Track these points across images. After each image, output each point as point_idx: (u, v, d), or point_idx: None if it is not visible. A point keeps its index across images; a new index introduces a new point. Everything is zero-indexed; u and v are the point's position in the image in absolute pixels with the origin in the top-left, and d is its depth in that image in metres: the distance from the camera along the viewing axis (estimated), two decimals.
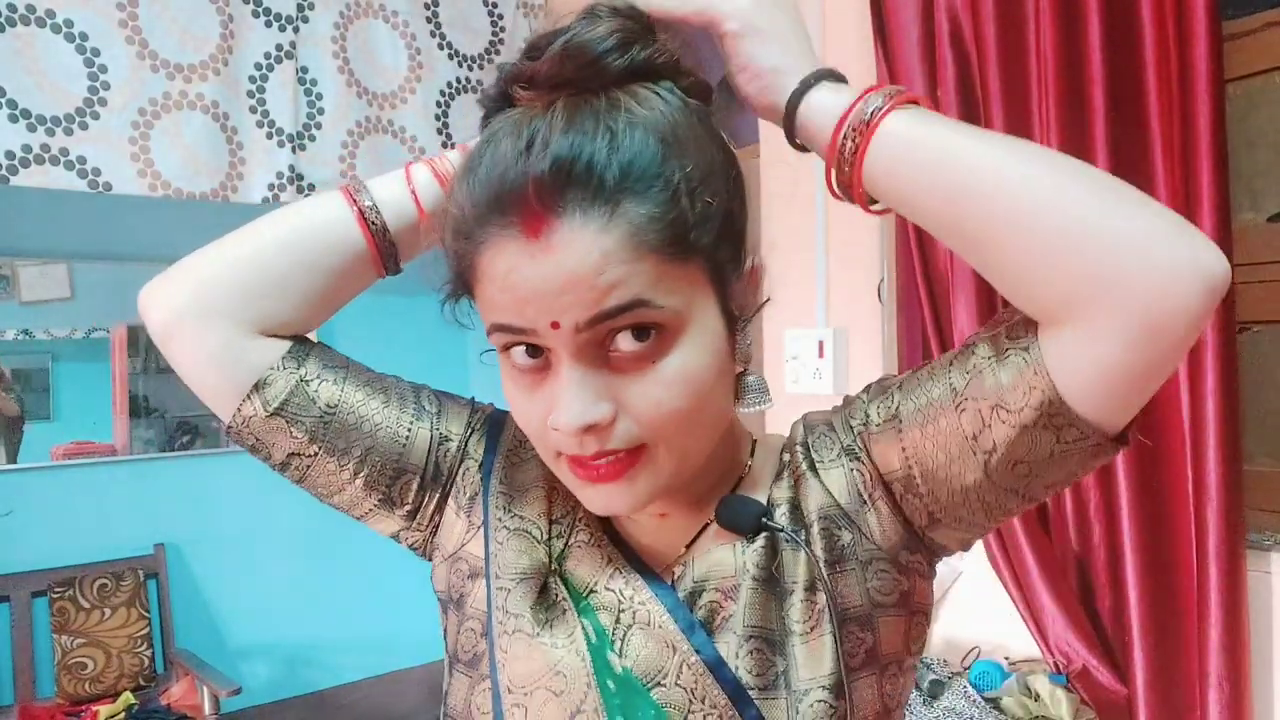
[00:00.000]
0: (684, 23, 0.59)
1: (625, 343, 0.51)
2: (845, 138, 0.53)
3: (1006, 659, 1.79)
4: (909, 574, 0.61)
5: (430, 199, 0.65)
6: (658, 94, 0.54)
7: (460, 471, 0.68)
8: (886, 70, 1.92)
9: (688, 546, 0.63)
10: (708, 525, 0.63)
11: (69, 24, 2.21)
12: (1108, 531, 1.65)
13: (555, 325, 0.51)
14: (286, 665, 3.38)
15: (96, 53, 2.25)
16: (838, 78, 0.57)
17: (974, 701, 1.62)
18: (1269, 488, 1.65)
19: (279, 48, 2.52)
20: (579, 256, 0.49)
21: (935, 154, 0.51)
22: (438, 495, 0.68)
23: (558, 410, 0.52)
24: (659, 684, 0.58)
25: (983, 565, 1.82)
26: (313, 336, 0.69)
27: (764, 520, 0.61)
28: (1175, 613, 1.58)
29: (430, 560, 0.71)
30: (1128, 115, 1.58)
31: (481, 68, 2.94)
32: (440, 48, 2.85)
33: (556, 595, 0.63)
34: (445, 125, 2.85)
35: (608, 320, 0.50)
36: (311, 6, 2.58)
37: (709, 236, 0.53)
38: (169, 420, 3.30)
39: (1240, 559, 1.50)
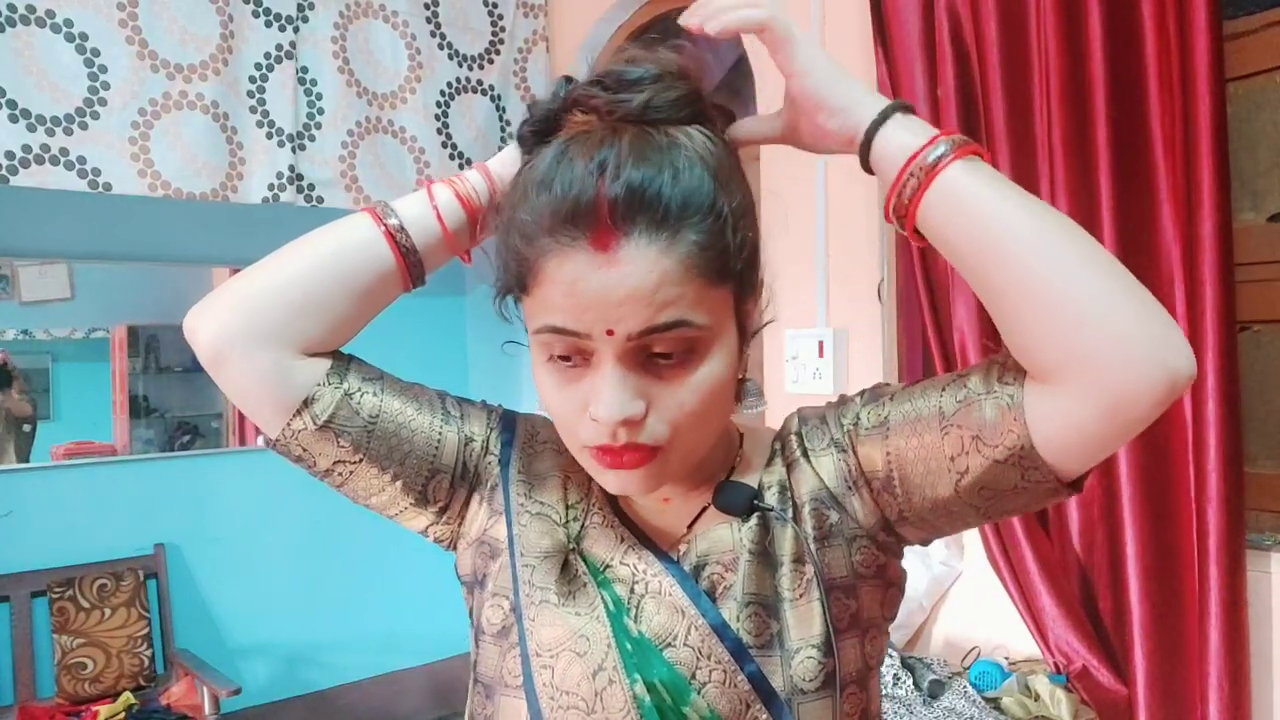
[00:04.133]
0: (740, 32, 0.66)
1: (664, 352, 0.59)
2: (911, 175, 0.60)
3: (1006, 659, 1.79)
4: (885, 551, 0.69)
5: (453, 218, 0.71)
6: (705, 136, 0.62)
7: (484, 466, 0.75)
8: (886, 70, 1.92)
9: (689, 526, 0.71)
10: (706, 508, 0.70)
11: (69, 24, 2.21)
12: (1108, 532, 1.65)
13: (610, 332, 0.57)
14: (286, 665, 3.38)
15: (96, 53, 2.25)
16: (907, 109, 0.64)
17: (974, 701, 1.62)
18: (1270, 489, 1.65)
19: (279, 48, 2.51)
20: (641, 274, 0.56)
21: (980, 211, 0.59)
22: (465, 490, 0.74)
23: (599, 403, 0.59)
24: (670, 645, 0.66)
25: (983, 565, 1.82)
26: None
27: (755, 502, 0.68)
28: (1176, 613, 1.58)
29: (454, 550, 0.78)
30: (1128, 115, 1.58)
31: (481, 68, 2.94)
32: (440, 48, 2.85)
33: (577, 570, 0.70)
34: (445, 125, 2.85)
35: (656, 334, 0.58)
36: (311, 6, 2.58)
37: (742, 264, 0.61)
38: (169, 420, 3.30)
39: (1241, 559, 1.50)
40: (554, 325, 0.59)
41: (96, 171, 2.25)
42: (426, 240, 0.70)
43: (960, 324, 1.80)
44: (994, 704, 1.63)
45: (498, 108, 2.98)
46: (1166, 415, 1.56)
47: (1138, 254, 1.59)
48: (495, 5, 2.96)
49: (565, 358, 0.61)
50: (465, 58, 2.91)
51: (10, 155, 2.13)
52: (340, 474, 0.71)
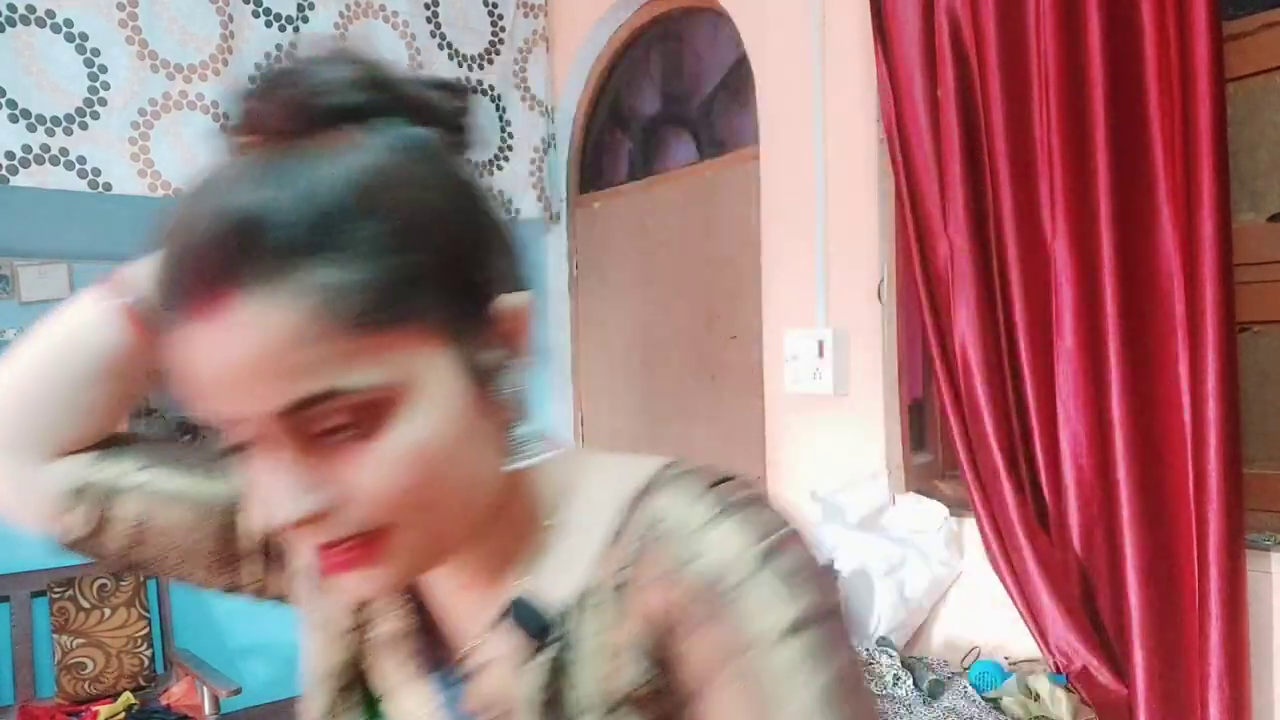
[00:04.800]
0: None
1: (334, 426, 0.45)
2: None
3: (1006, 659, 1.79)
4: None
5: None
6: (366, 133, 0.47)
7: (283, 548, 0.64)
8: (886, 70, 1.92)
9: (483, 632, 0.55)
10: (510, 609, 0.53)
11: (69, 24, 2.21)
12: (1108, 532, 1.65)
13: (249, 418, 0.44)
14: (286, 665, 3.38)
15: (96, 53, 2.25)
16: None
17: (974, 701, 1.62)
18: (1270, 489, 1.65)
19: (279, 48, 2.51)
20: (258, 339, 0.42)
21: None
22: (284, 570, 0.65)
23: (269, 504, 0.46)
24: None
25: (983, 565, 1.82)
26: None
27: (548, 636, 0.51)
28: (1175, 613, 1.58)
29: None
30: (1128, 115, 1.58)
31: (481, 68, 2.94)
32: (440, 48, 2.85)
33: (350, 701, 0.60)
34: None
35: (300, 411, 0.43)
36: (311, 6, 2.58)
37: (426, 295, 0.46)
38: (169, 420, 3.31)
39: (1241, 559, 1.50)
40: (197, 419, 0.46)
41: (96, 171, 2.25)
42: None
43: (960, 324, 1.80)
44: (994, 704, 1.63)
45: (498, 108, 2.98)
46: (1166, 415, 1.57)
47: (1138, 254, 1.59)
48: (495, 5, 2.96)
49: (236, 448, 0.47)
50: (465, 58, 2.91)
51: (10, 155, 2.13)
52: (133, 570, 0.65)
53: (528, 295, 0.51)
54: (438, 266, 0.46)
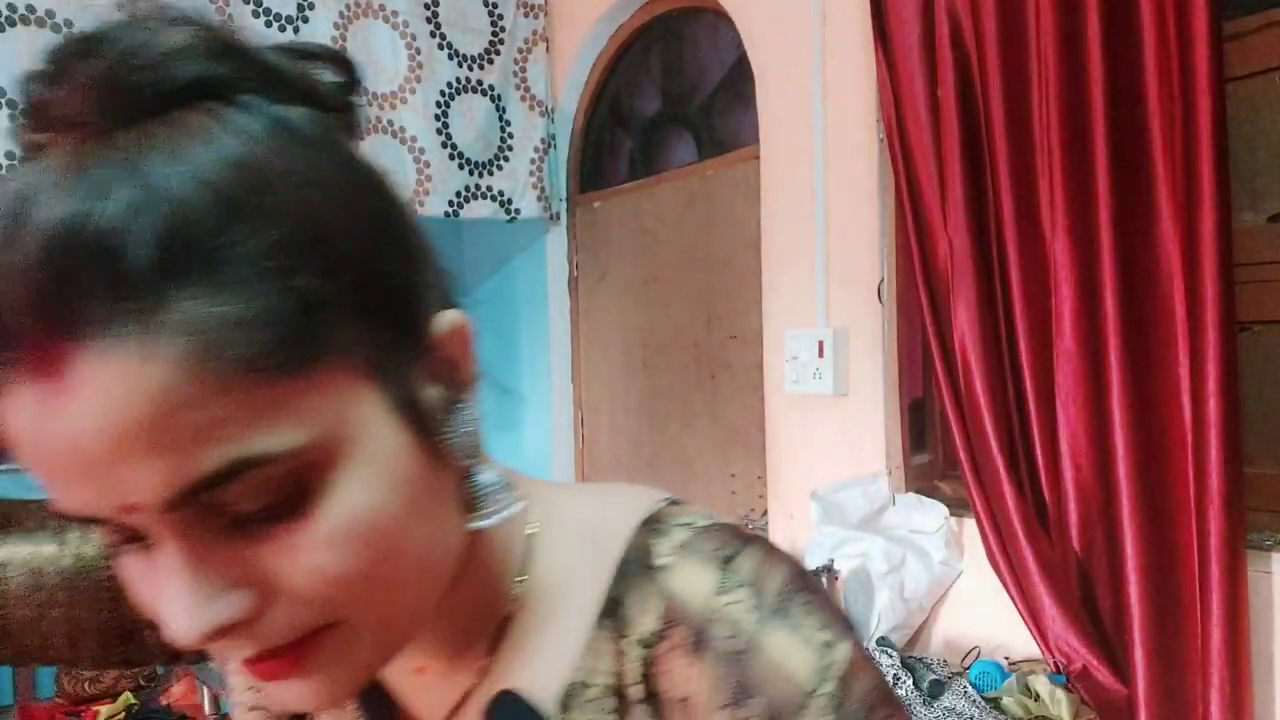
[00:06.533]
0: None
1: (250, 508, 0.34)
2: None
3: (1006, 659, 1.79)
4: None
5: None
6: (218, 114, 0.34)
7: None
8: (886, 70, 1.92)
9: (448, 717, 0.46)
10: (470, 692, 0.46)
11: (69, 24, 2.21)
12: (1108, 532, 1.65)
13: (131, 509, 0.33)
14: None
15: None
16: None
17: (974, 701, 1.62)
18: (1270, 489, 1.65)
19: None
20: (118, 401, 0.31)
21: None
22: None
23: (166, 615, 0.35)
24: None
25: (983, 565, 1.82)
26: None
27: None
28: (1176, 613, 1.58)
29: None
30: (1128, 115, 1.58)
31: (482, 68, 2.94)
32: (440, 48, 2.85)
33: None
34: (445, 125, 2.85)
35: (198, 497, 0.33)
36: (311, 6, 2.58)
37: (342, 324, 0.35)
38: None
39: (1241, 559, 1.50)
40: (57, 510, 0.35)
41: None
42: None
43: (960, 324, 1.80)
44: (994, 704, 1.63)
45: (498, 108, 2.98)
46: (1166, 415, 1.57)
47: (1138, 254, 1.59)
48: (495, 5, 2.96)
49: (125, 544, 0.36)
50: (465, 58, 2.91)
51: (10, 155, 2.13)
52: None
53: (461, 312, 0.41)
54: (346, 284, 0.35)
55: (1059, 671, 1.67)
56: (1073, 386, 1.66)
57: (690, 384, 2.76)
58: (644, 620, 0.43)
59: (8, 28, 2.14)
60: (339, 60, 0.40)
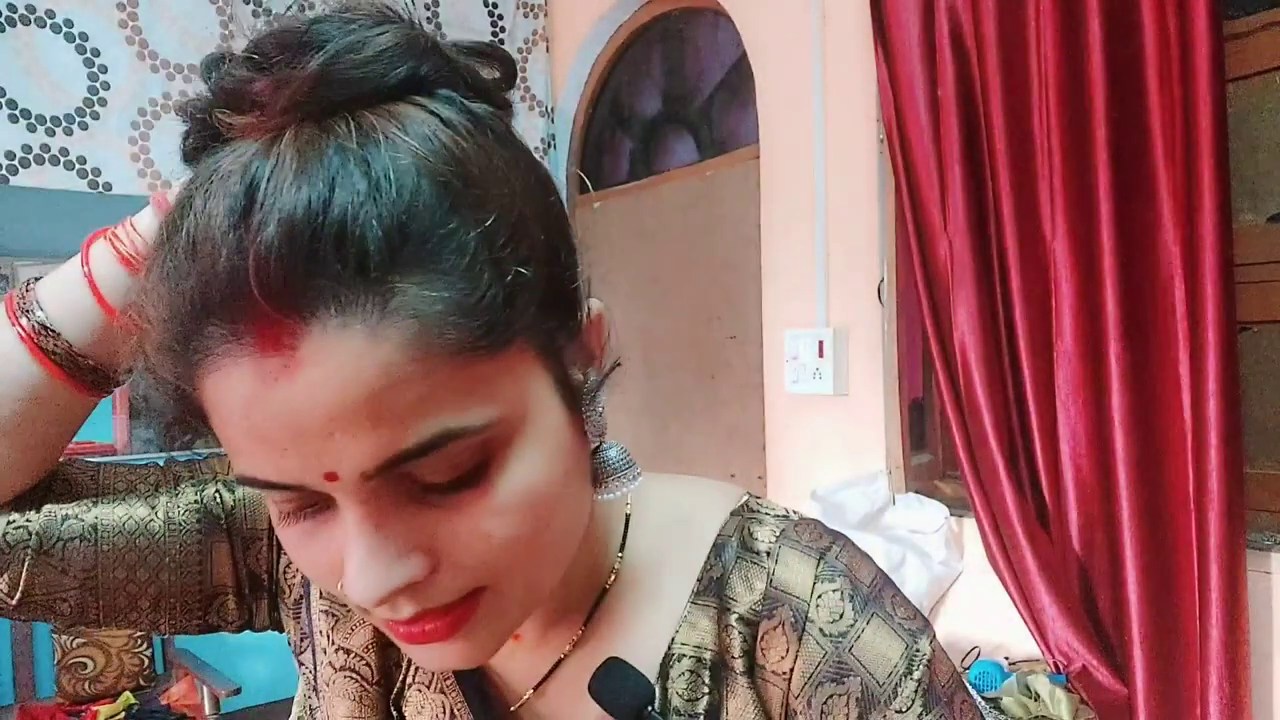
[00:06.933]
0: None
1: (438, 478, 0.37)
2: None
3: (1006, 659, 1.79)
4: None
5: (118, 291, 0.47)
6: (428, 108, 0.37)
7: (280, 568, 0.55)
8: (886, 70, 1.92)
9: (536, 687, 0.49)
10: (563, 660, 0.48)
11: (69, 24, 2.21)
12: (1108, 532, 1.65)
13: (331, 476, 0.35)
14: (286, 665, 3.38)
15: (96, 53, 2.25)
16: None
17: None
18: (1270, 489, 1.65)
19: None
20: (345, 378, 0.33)
21: None
22: (265, 600, 0.56)
23: (348, 576, 0.37)
24: None
25: (983, 565, 1.82)
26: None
27: (649, 711, 0.44)
28: (1175, 613, 1.58)
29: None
30: (1128, 115, 1.58)
31: None
32: None
33: None
34: None
35: (406, 463, 0.35)
36: (311, 6, 2.58)
37: (533, 307, 0.38)
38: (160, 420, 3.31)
39: (1241, 559, 1.50)
40: (250, 477, 0.37)
41: (96, 171, 2.25)
42: (90, 334, 0.47)
43: (960, 324, 1.80)
44: (994, 704, 1.63)
45: None
46: (1166, 415, 1.57)
47: (1138, 254, 1.59)
48: (495, 5, 2.96)
49: (298, 511, 0.39)
50: None
51: (10, 155, 2.13)
52: (89, 624, 0.52)
53: (601, 301, 0.45)
54: (535, 274, 0.38)
55: (1059, 671, 1.67)
56: (1073, 386, 1.66)
57: (690, 384, 2.76)
58: (748, 598, 0.46)
59: (8, 28, 2.14)
60: (503, 57, 0.42)
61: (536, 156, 0.43)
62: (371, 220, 0.33)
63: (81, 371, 0.48)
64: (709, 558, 0.48)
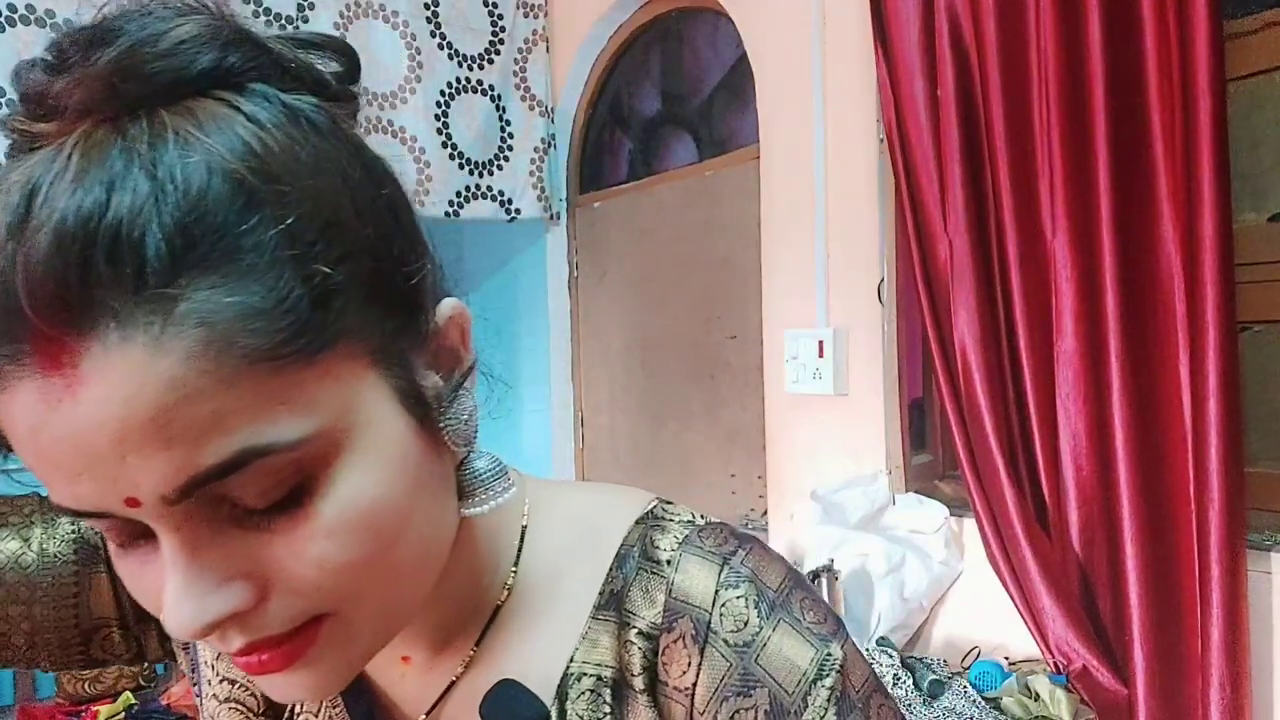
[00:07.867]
0: None
1: (255, 501, 0.34)
2: None
3: (1006, 659, 1.79)
4: None
5: None
6: (231, 103, 0.34)
7: None
8: (886, 70, 1.92)
9: (428, 712, 0.46)
10: (455, 683, 0.46)
11: (69, 24, 2.21)
12: (1108, 532, 1.65)
13: (132, 502, 0.32)
14: None
15: None
16: None
17: (974, 701, 1.62)
18: (1270, 488, 1.65)
19: None
20: (128, 395, 0.30)
21: None
22: (154, 630, 0.53)
23: (165, 607, 0.34)
24: None
25: (983, 565, 1.82)
26: None
27: None
28: (1176, 613, 1.58)
29: None
30: (1128, 115, 1.58)
31: (481, 68, 2.94)
32: (440, 48, 2.85)
33: None
34: (445, 125, 2.85)
35: (207, 484, 0.32)
36: (311, 6, 2.58)
37: (352, 311, 0.35)
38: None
39: (1241, 559, 1.50)
40: (61, 506, 0.34)
41: None
42: None
43: (960, 325, 1.80)
44: (994, 704, 1.63)
45: (498, 108, 2.98)
46: (1166, 415, 1.57)
47: (1138, 254, 1.59)
48: (495, 5, 2.96)
49: (130, 541, 0.36)
50: (465, 58, 2.91)
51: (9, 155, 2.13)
52: None
53: (459, 300, 0.41)
54: (358, 272, 0.35)
55: (1059, 671, 1.67)
56: (1073, 386, 1.66)
57: (690, 384, 2.76)
58: (648, 612, 0.44)
59: (8, 28, 2.14)
60: (342, 49, 0.40)
61: (372, 151, 0.39)
62: (151, 224, 0.30)
63: None
64: (610, 570, 0.45)
